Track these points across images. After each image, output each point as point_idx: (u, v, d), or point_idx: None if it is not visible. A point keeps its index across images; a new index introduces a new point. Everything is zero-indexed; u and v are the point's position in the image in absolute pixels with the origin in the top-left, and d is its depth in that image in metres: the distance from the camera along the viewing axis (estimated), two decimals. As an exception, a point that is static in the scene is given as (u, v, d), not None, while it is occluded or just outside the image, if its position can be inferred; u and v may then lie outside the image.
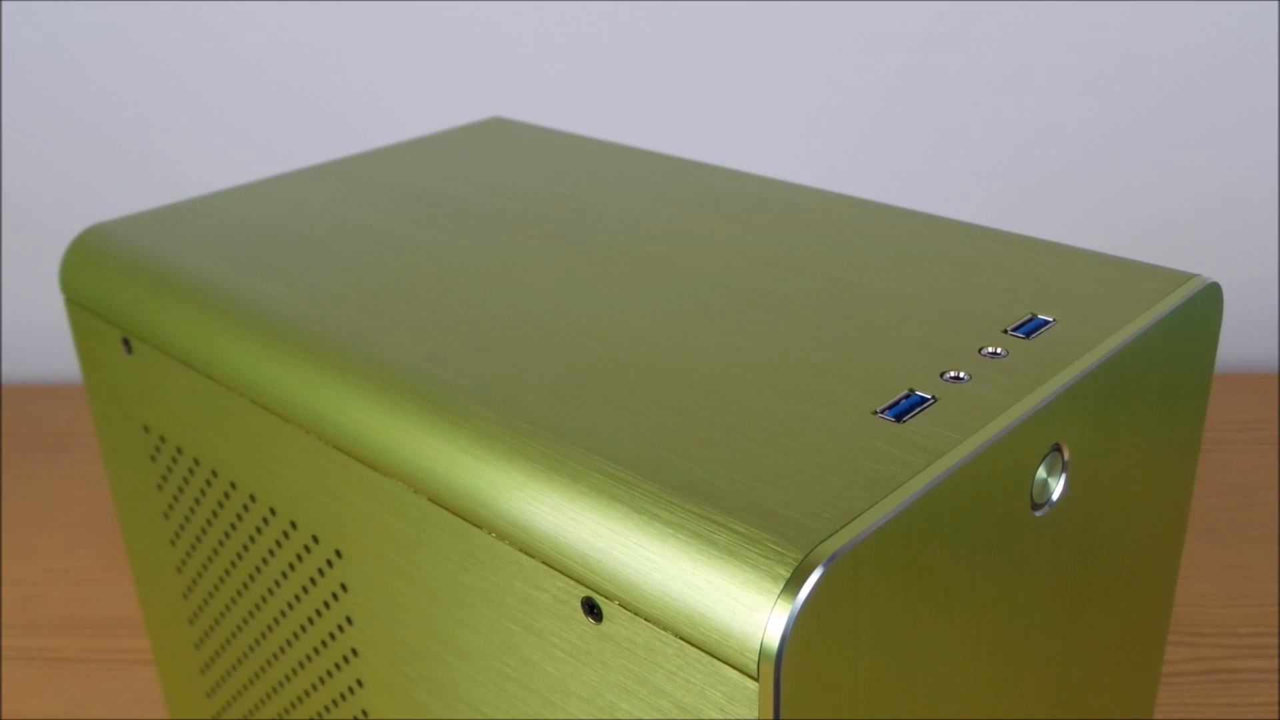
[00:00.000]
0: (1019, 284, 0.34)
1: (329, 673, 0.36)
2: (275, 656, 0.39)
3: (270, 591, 0.37)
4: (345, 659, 0.35)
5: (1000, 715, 0.30)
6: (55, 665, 0.59)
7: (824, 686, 0.24)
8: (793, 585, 0.23)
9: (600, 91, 0.82)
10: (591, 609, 0.26)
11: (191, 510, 0.40)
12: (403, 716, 0.34)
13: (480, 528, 0.28)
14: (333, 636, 0.35)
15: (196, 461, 0.38)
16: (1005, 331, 0.31)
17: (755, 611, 0.23)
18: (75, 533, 0.70)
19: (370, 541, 0.32)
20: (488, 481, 0.28)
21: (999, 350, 0.30)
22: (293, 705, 0.39)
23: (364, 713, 0.36)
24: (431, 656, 0.32)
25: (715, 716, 0.24)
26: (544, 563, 0.27)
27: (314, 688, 0.38)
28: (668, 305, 0.34)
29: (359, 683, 0.35)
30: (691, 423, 0.28)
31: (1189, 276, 0.34)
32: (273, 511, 0.36)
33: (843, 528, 0.24)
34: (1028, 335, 0.31)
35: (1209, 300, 0.34)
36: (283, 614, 0.37)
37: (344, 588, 0.34)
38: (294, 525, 0.35)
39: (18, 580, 0.66)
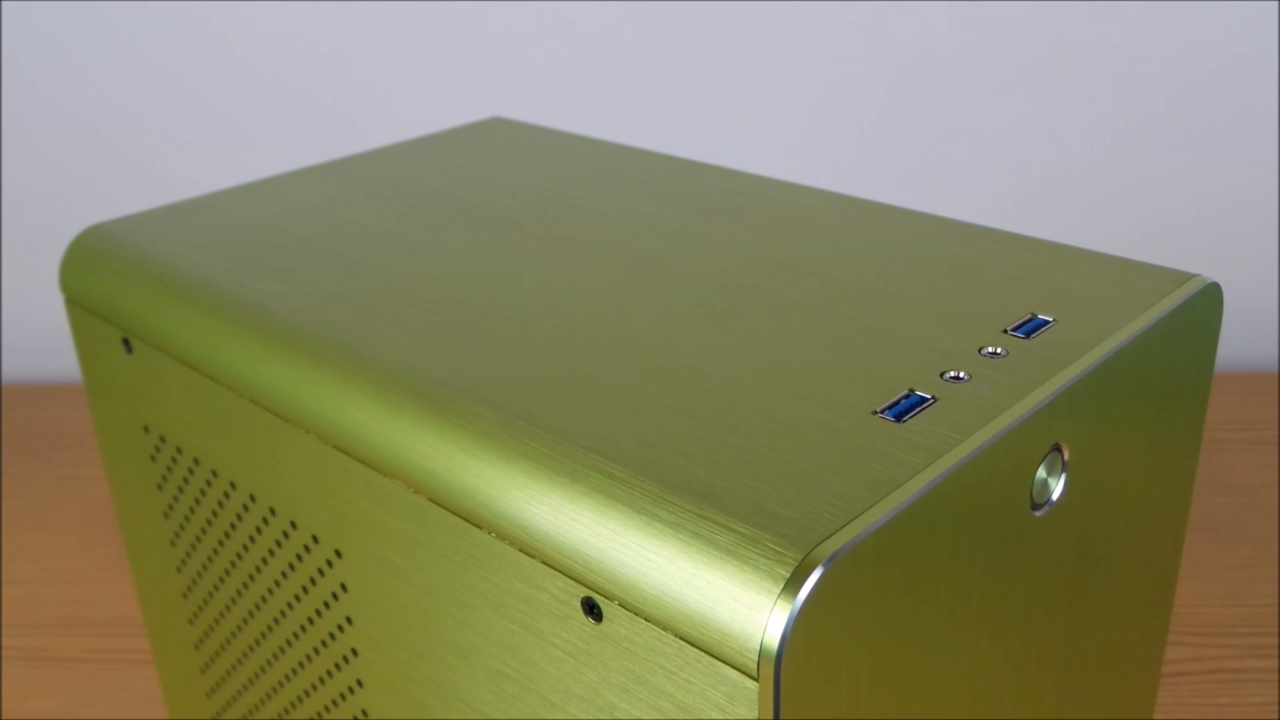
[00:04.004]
0: (1019, 284, 0.34)
1: (329, 673, 0.36)
2: (275, 656, 0.39)
3: (270, 591, 0.37)
4: (345, 659, 0.35)
5: (1000, 715, 0.30)
6: (55, 665, 0.59)
7: (824, 686, 0.24)
8: (793, 585, 0.23)
9: (600, 91, 0.82)
10: (591, 609, 0.26)
11: (191, 510, 0.40)
12: (403, 716, 0.34)
13: (480, 528, 0.28)
14: (333, 636, 0.35)
15: (196, 461, 0.38)
16: (1005, 331, 0.31)
17: (755, 611, 0.23)
18: (75, 533, 0.70)
19: (370, 541, 0.32)
20: (488, 481, 0.28)
21: (999, 350, 0.30)
22: (293, 705, 0.39)
23: (364, 713, 0.36)
24: (431, 656, 0.32)
25: (715, 716, 0.24)
26: (544, 563, 0.27)
27: (314, 688, 0.38)
28: (668, 305, 0.34)
29: (359, 683, 0.35)
30: (691, 423, 0.28)
31: (1189, 276, 0.34)
32: (273, 511, 0.36)
33: (843, 528, 0.24)
34: (1028, 335, 0.31)
35: (1209, 300, 0.34)
36: (283, 614, 0.37)
37: (344, 588, 0.34)
38: (294, 525, 0.35)
39: (18, 580, 0.66)
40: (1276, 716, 0.53)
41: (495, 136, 0.51)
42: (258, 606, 0.39)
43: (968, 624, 0.28)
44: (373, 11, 0.81)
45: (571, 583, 0.26)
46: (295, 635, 0.37)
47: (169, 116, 0.85)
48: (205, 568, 0.41)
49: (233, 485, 0.37)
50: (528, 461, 0.27)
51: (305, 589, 0.36)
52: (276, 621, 0.38)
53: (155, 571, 0.44)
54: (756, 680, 0.23)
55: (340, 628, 0.35)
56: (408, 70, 0.82)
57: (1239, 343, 0.86)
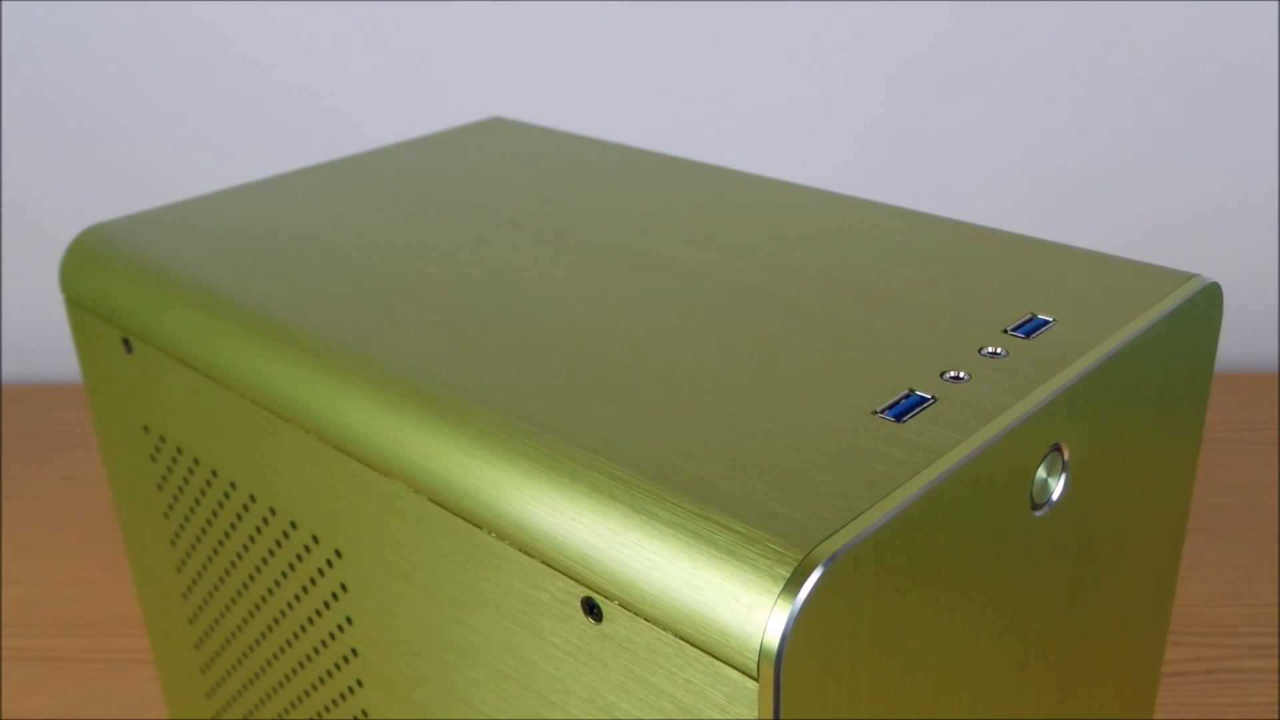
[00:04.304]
0: (1019, 284, 0.34)
1: (329, 673, 0.36)
2: (275, 656, 0.39)
3: (270, 591, 0.37)
4: (345, 659, 0.35)
5: (1000, 715, 0.30)
6: (55, 665, 0.59)
7: (824, 686, 0.24)
8: (793, 585, 0.23)
9: (600, 91, 0.82)
10: (591, 609, 0.26)
11: (191, 510, 0.40)
12: (403, 716, 0.34)
13: (480, 528, 0.28)
14: (333, 636, 0.35)
15: (196, 461, 0.38)
16: (1005, 331, 0.31)
17: (755, 611, 0.23)
18: (75, 533, 0.70)
19: (370, 541, 0.32)
20: (488, 481, 0.28)
21: (999, 350, 0.30)
22: (293, 705, 0.39)
23: (364, 713, 0.36)
24: (431, 656, 0.32)
25: (715, 716, 0.24)
26: (544, 563, 0.27)
27: (314, 688, 0.38)
28: (668, 305, 0.34)
29: (359, 683, 0.35)
30: (691, 423, 0.28)
31: (1189, 276, 0.34)
32: (273, 511, 0.36)
33: (843, 528, 0.24)
34: (1028, 335, 0.31)
35: (1209, 300, 0.34)
36: (283, 614, 0.37)
37: (344, 588, 0.34)
38: (294, 525, 0.35)
39: (18, 580, 0.66)
40: (1276, 716, 0.53)
41: (495, 136, 0.51)
42: (258, 606, 0.39)
43: (968, 624, 0.28)
44: (372, 11, 0.81)
45: (571, 583, 0.26)
46: (295, 635, 0.37)
47: (169, 116, 0.85)
48: (205, 568, 0.41)
49: (233, 485, 0.37)
50: (528, 461, 0.27)
51: (305, 589, 0.36)
52: (276, 621, 0.38)
53: (155, 571, 0.44)
54: (756, 680, 0.23)
55: (340, 628, 0.35)
56: (408, 70, 0.82)
57: (1239, 343, 0.86)
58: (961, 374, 0.29)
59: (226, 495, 0.38)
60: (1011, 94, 0.81)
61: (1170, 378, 0.33)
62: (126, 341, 0.39)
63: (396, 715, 0.34)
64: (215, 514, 0.39)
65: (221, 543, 0.39)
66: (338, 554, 0.34)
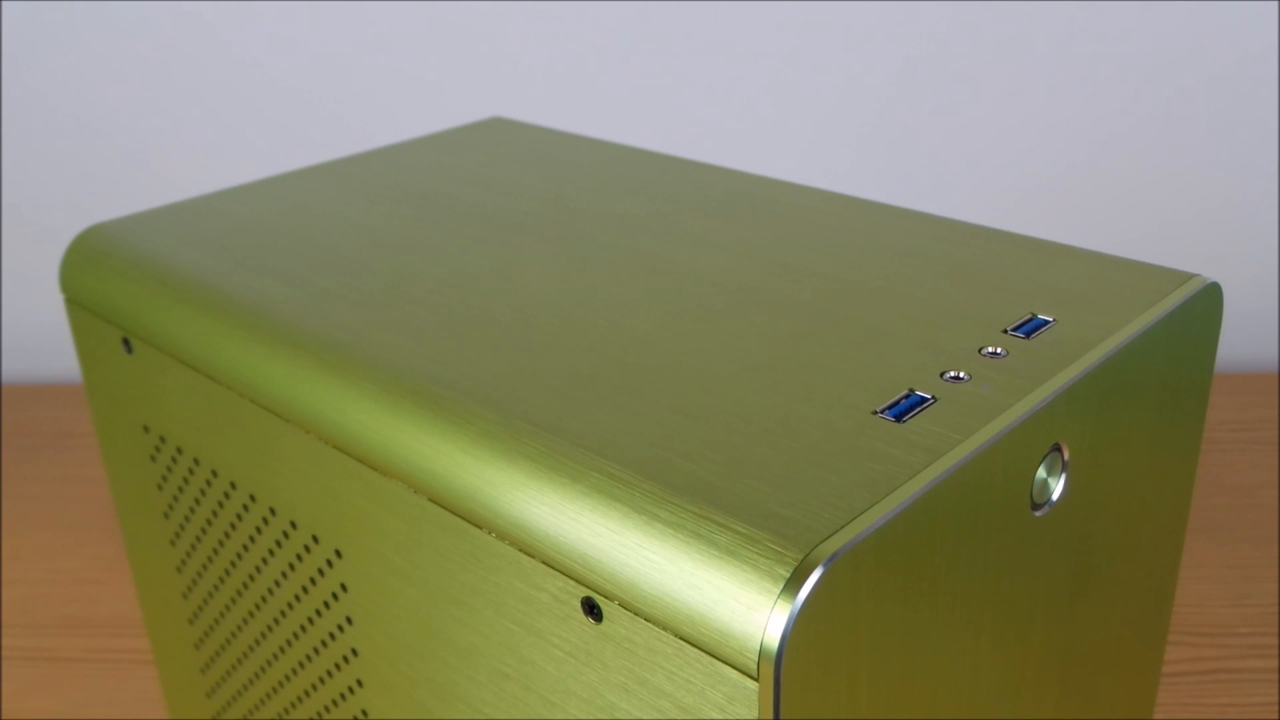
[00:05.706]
0: (1019, 284, 0.34)
1: (329, 673, 0.36)
2: (275, 656, 0.39)
3: (270, 591, 0.37)
4: (345, 659, 0.35)
5: (1000, 715, 0.30)
6: (55, 665, 0.59)
7: (824, 686, 0.24)
8: (793, 585, 0.23)
9: (600, 91, 0.82)
10: (591, 609, 0.26)
11: (191, 510, 0.40)
12: (403, 716, 0.34)
13: (480, 528, 0.28)
14: (333, 636, 0.35)
15: (196, 461, 0.38)
16: (1005, 331, 0.31)
17: (755, 611, 0.23)
18: (75, 533, 0.70)
19: (370, 541, 0.32)
20: (488, 481, 0.28)
21: (999, 350, 0.30)
22: (293, 705, 0.39)
23: (364, 713, 0.36)
24: (431, 656, 0.32)
25: (715, 716, 0.24)
26: (544, 563, 0.27)
27: (314, 688, 0.38)
28: (668, 305, 0.34)
29: (359, 683, 0.35)
30: (691, 423, 0.28)
31: (1189, 276, 0.34)
32: (273, 511, 0.36)
33: (843, 528, 0.24)
34: (1028, 335, 0.31)
35: (1209, 300, 0.34)
36: (283, 614, 0.37)
37: (344, 588, 0.34)
38: (294, 525, 0.35)
39: (18, 580, 0.66)
40: (1276, 716, 0.53)
41: (495, 136, 0.51)
42: (258, 606, 0.39)
43: (968, 624, 0.28)
44: (372, 12, 0.81)
45: (571, 583, 0.26)
46: (295, 635, 0.37)
47: (169, 116, 0.85)
48: (205, 568, 0.41)
49: (233, 485, 0.37)
50: (528, 461, 0.27)
51: (305, 589, 0.36)
52: (276, 621, 0.38)
53: (155, 571, 0.44)
54: (756, 680, 0.23)
55: (340, 628, 0.35)
56: (408, 70, 0.82)
57: (1239, 343, 0.86)
58: (961, 374, 0.29)
59: (226, 495, 0.38)
60: (1011, 94, 0.81)
61: (1170, 378, 0.33)
62: (126, 341, 0.39)
63: (396, 715, 0.34)
64: (215, 514, 0.39)
65: (221, 543, 0.39)
66: (338, 554, 0.34)
